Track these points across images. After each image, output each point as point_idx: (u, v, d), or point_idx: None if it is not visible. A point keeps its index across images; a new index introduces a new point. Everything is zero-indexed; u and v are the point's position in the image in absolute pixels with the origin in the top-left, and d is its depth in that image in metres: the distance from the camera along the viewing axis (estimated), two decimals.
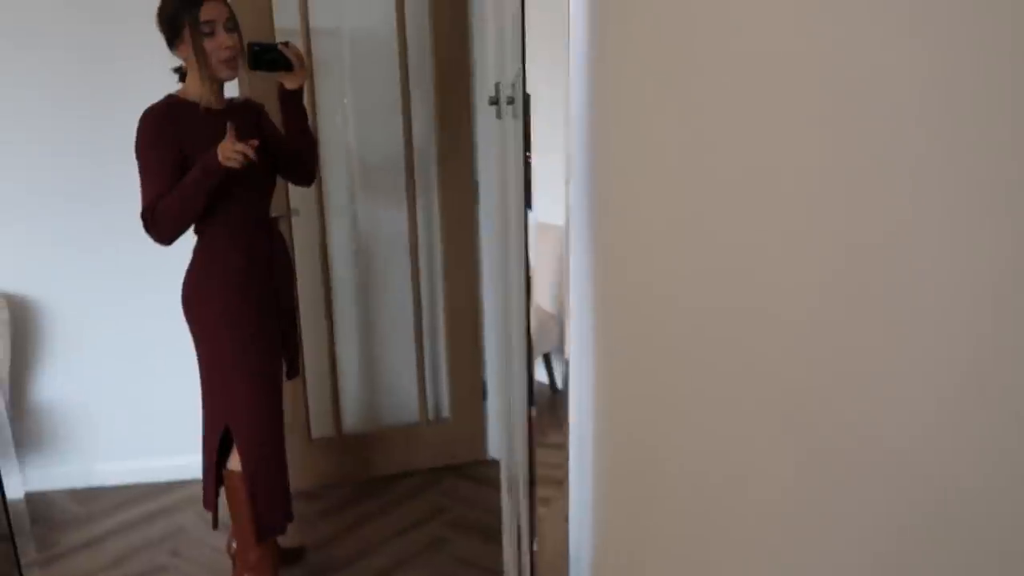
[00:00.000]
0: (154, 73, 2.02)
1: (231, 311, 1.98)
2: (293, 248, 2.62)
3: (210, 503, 2.14)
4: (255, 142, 1.82)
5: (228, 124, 1.81)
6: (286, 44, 1.98)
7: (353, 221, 2.99)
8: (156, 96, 1.92)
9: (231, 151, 1.78)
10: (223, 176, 1.82)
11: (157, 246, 1.89)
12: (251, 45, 1.94)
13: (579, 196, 1.12)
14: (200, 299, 1.99)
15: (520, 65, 1.10)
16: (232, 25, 1.90)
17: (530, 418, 1.29)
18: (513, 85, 1.41)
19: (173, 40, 1.89)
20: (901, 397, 0.54)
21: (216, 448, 2.06)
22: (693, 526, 0.89)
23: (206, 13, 1.85)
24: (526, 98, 1.10)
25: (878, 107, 0.55)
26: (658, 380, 0.96)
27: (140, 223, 1.86)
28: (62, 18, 2.62)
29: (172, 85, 1.98)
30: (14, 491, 1.41)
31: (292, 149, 2.11)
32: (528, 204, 1.18)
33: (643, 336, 1.00)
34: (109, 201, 2.66)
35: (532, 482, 1.29)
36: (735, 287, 0.76)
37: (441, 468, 2.99)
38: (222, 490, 2.14)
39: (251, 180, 1.96)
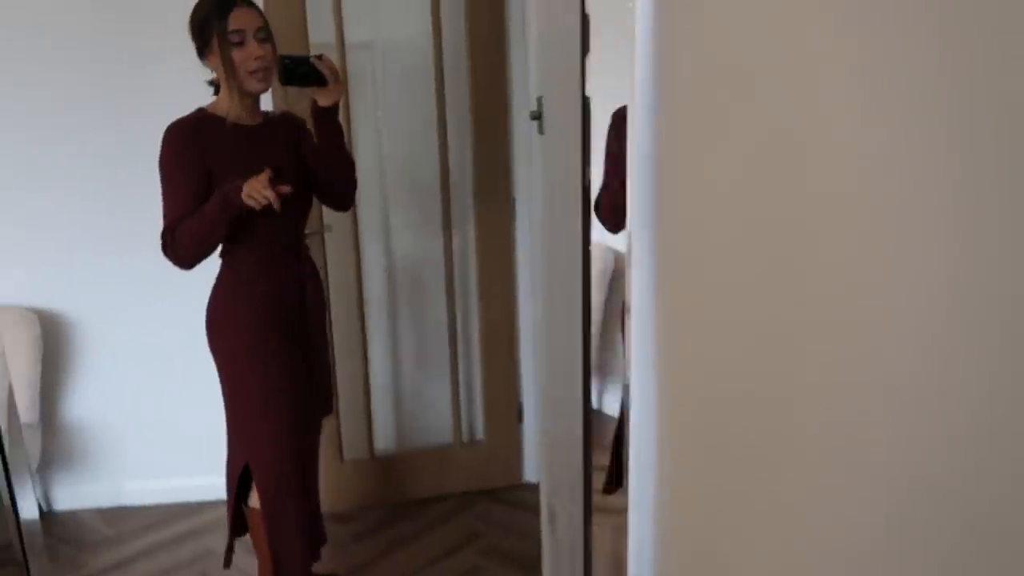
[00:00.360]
0: (182, 78, 1.97)
1: (251, 332, 1.89)
2: (326, 265, 2.57)
3: (231, 539, 2.06)
4: (286, 189, 1.71)
5: (267, 169, 1.71)
6: (319, 57, 1.89)
7: (387, 237, 2.94)
8: (183, 101, 1.86)
9: (259, 192, 1.68)
10: (242, 212, 1.74)
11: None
12: (282, 58, 1.86)
13: (641, 197, 1.04)
14: (224, 323, 1.91)
15: (579, 68, 1.02)
16: (264, 35, 1.81)
17: (587, 454, 1.20)
18: (559, 96, 1.34)
19: (203, 49, 1.81)
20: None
21: (236, 485, 1.98)
22: (767, 505, 0.86)
23: (235, 21, 1.76)
24: (585, 101, 1.02)
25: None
26: (727, 372, 0.91)
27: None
28: (87, 20, 2.57)
29: (200, 89, 1.91)
30: (29, 511, 1.35)
31: (327, 169, 2.01)
32: (588, 218, 1.10)
33: (707, 333, 0.94)
34: (140, 211, 2.62)
35: (588, 509, 1.20)
36: (797, 291, 0.77)
37: (475, 492, 2.91)
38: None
39: (282, 203, 1.89)
